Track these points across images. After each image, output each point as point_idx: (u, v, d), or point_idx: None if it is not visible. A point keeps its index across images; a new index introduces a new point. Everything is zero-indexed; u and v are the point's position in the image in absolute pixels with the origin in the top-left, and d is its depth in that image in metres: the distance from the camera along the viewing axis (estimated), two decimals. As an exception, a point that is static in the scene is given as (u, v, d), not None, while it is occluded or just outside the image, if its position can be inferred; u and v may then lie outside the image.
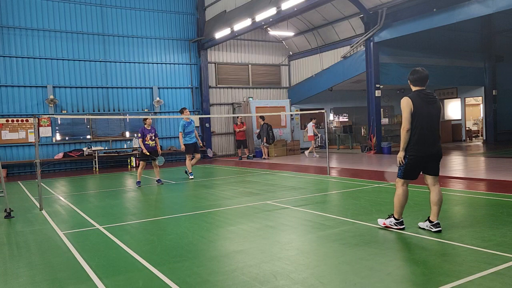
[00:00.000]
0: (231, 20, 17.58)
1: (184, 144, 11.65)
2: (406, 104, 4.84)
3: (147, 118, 10.87)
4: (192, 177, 11.78)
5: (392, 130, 21.53)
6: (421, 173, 5.14)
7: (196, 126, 19.67)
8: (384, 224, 5.28)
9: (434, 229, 4.99)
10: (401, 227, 5.16)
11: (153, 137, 10.82)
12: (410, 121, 4.83)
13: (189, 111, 19.45)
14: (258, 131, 18.55)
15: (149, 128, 10.82)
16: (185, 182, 11.41)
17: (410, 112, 4.84)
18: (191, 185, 10.83)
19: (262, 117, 17.77)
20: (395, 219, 5.18)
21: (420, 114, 4.83)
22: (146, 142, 10.69)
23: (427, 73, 4.98)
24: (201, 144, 12.43)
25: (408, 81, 5.06)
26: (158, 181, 11.07)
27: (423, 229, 5.11)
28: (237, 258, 4.41)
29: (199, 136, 19.77)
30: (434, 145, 4.94)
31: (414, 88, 5.01)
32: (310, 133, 17.75)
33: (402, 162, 4.95)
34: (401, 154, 4.94)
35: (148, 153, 10.67)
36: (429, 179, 5.08)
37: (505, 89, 21.74)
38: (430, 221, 5.06)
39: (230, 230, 5.69)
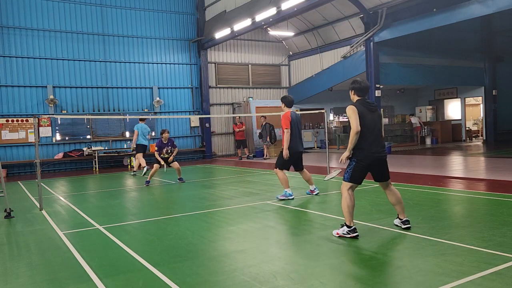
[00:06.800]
0: (231, 20, 17.58)
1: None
2: (353, 111, 4.95)
3: (164, 132, 11.04)
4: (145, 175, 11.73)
5: (392, 130, 21.54)
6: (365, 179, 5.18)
7: (196, 126, 19.83)
8: (338, 234, 5.00)
9: (404, 226, 5.19)
10: (354, 234, 4.87)
11: (169, 150, 11.06)
12: (359, 124, 4.89)
13: (189, 111, 19.60)
14: (259, 131, 18.54)
15: (166, 142, 10.98)
16: (185, 182, 11.40)
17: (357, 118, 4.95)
18: (191, 185, 10.83)
19: (264, 117, 17.78)
20: (348, 227, 4.92)
21: (365, 121, 4.95)
22: (161, 156, 11.00)
23: (369, 84, 5.26)
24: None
25: (350, 90, 5.21)
26: (180, 179, 11.31)
27: (396, 225, 5.30)
28: (237, 258, 4.41)
29: (198, 136, 19.94)
30: (380, 150, 5.06)
31: (356, 98, 5.17)
32: (417, 124, 21.70)
33: (344, 161, 5.00)
34: (346, 154, 4.98)
35: (163, 162, 11.16)
36: (382, 184, 5.24)
37: (505, 89, 21.73)
38: (400, 219, 5.27)
39: (230, 230, 5.69)
